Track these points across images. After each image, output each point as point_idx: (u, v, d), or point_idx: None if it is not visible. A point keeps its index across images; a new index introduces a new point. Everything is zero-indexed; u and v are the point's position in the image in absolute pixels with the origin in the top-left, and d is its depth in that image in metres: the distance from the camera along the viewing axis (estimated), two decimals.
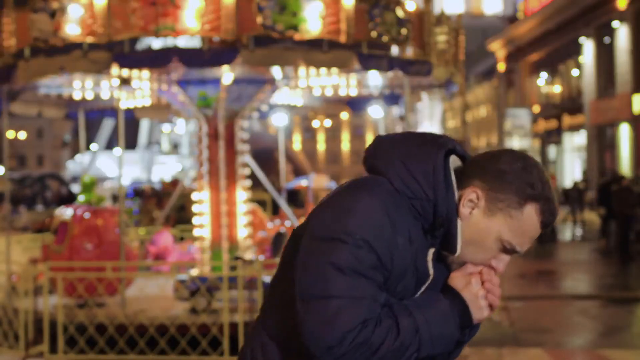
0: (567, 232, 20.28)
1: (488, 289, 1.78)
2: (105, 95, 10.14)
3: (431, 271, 1.79)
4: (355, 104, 12.06)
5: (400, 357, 1.70)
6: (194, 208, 9.29)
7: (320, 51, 7.56)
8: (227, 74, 8.61)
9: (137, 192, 25.21)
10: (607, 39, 28.97)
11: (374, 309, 1.68)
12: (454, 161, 1.85)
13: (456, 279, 1.79)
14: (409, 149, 1.80)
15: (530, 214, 1.76)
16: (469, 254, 1.80)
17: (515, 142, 36.35)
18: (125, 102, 10.55)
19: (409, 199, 1.76)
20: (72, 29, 7.51)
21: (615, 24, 27.61)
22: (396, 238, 1.71)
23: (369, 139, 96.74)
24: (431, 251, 1.79)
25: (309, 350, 1.68)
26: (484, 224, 1.78)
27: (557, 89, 34.85)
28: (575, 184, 22.29)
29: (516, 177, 1.76)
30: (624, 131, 27.41)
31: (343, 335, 1.65)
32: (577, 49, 31.60)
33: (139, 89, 9.87)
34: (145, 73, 8.77)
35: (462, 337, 1.82)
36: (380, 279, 1.71)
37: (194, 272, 8.25)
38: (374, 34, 7.79)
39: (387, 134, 1.89)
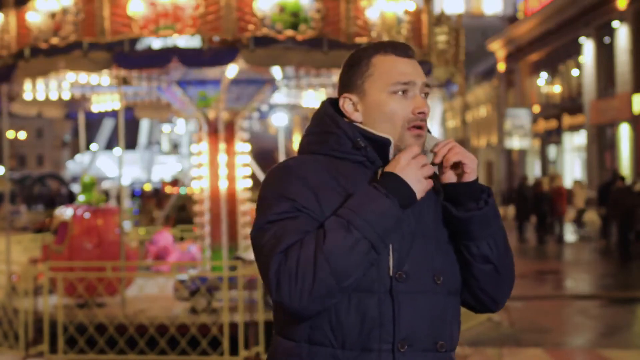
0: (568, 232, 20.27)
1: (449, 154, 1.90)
2: (105, 95, 10.15)
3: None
4: None
5: (352, 257, 1.76)
6: (194, 208, 9.29)
7: (320, 51, 7.56)
8: (227, 73, 8.61)
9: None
10: (607, 39, 28.97)
11: (292, 237, 1.80)
12: None
13: (400, 159, 1.85)
14: (309, 125, 2.03)
15: (379, 59, 1.94)
16: (395, 130, 1.92)
17: (515, 142, 36.35)
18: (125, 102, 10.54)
19: (331, 149, 1.93)
20: (72, 29, 7.51)
21: (615, 24, 27.62)
22: (309, 183, 1.85)
23: None
24: (379, 171, 1.90)
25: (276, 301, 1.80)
26: (371, 101, 1.93)
27: (557, 89, 34.85)
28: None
29: (351, 63, 1.98)
30: (624, 131, 27.41)
31: (275, 272, 1.78)
32: (577, 49, 31.61)
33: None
34: (145, 73, 8.77)
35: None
36: (305, 216, 1.83)
37: (194, 271, 8.25)
38: (373, 34, 7.79)
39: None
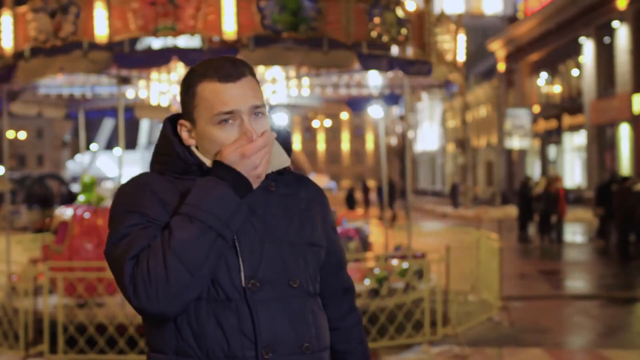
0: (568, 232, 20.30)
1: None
2: (105, 95, 10.16)
3: None
4: (355, 104, 12.06)
5: (200, 248, 1.78)
6: None
7: (320, 51, 7.56)
8: None
9: None
10: (607, 39, 28.98)
11: (142, 243, 1.82)
12: None
13: (229, 155, 1.85)
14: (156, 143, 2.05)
15: (203, 88, 1.90)
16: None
17: (515, 142, 36.37)
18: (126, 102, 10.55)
19: (170, 170, 1.96)
20: (72, 29, 7.51)
21: (615, 24, 27.63)
22: (160, 197, 1.88)
23: (369, 139, 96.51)
24: None
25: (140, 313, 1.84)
26: (201, 131, 1.91)
27: (557, 89, 34.87)
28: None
29: (182, 89, 1.95)
30: (624, 131, 27.42)
31: (129, 277, 1.80)
32: (577, 49, 31.62)
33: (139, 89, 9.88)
34: (145, 73, 8.77)
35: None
36: (156, 226, 1.85)
37: None
38: (374, 34, 7.79)
39: None
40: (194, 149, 1.94)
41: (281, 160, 1.99)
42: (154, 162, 2.00)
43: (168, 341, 1.87)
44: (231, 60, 1.92)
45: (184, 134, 1.95)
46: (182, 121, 1.96)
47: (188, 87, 1.93)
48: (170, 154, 1.95)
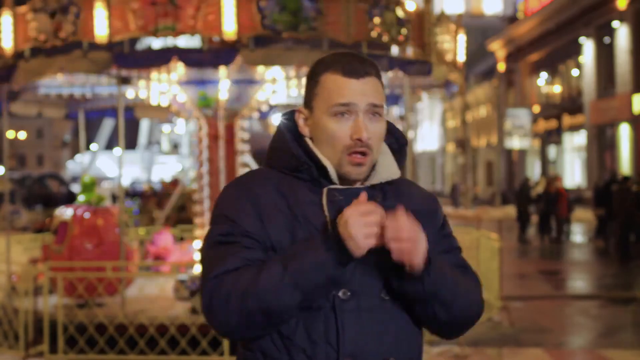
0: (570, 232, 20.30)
1: (390, 231, 1.76)
2: (105, 95, 10.16)
3: (327, 211, 1.86)
4: None
5: (280, 300, 1.77)
6: (194, 208, 9.29)
7: (320, 51, 7.56)
8: (226, 74, 8.61)
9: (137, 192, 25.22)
10: (607, 39, 28.97)
11: (232, 263, 1.82)
12: None
13: (342, 215, 1.78)
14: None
15: (327, 78, 1.90)
16: (335, 154, 1.89)
17: (515, 142, 36.36)
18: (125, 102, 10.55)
19: (281, 166, 1.94)
20: (72, 29, 7.51)
21: (615, 24, 27.62)
22: (257, 203, 1.87)
23: None
24: (325, 190, 1.90)
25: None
26: (316, 120, 1.91)
27: (557, 89, 34.86)
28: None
29: (308, 77, 1.98)
30: (624, 131, 27.41)
31: (209, 293, 1.81)
32: (577, 49, 31.62)
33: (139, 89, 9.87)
34: (145, 73, 8.76)
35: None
36: (247, 240, 1.85)
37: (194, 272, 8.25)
38: (374, 34, 7.78)
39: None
40: (308, 140, 1.94)
41: (390, 172, 1.97)
42: (267, 157, 2.01)
43: (256, 340, 1.89)
44: (360, 58, 1.93)
45: (300, 122, 1.96)
46: (300, 108, 1.97)
47: (312, 76, 1.94)
48: (283, 149, 1.95)
